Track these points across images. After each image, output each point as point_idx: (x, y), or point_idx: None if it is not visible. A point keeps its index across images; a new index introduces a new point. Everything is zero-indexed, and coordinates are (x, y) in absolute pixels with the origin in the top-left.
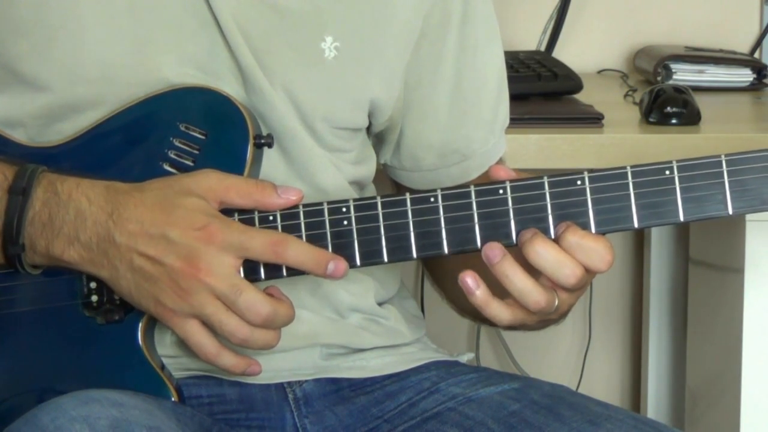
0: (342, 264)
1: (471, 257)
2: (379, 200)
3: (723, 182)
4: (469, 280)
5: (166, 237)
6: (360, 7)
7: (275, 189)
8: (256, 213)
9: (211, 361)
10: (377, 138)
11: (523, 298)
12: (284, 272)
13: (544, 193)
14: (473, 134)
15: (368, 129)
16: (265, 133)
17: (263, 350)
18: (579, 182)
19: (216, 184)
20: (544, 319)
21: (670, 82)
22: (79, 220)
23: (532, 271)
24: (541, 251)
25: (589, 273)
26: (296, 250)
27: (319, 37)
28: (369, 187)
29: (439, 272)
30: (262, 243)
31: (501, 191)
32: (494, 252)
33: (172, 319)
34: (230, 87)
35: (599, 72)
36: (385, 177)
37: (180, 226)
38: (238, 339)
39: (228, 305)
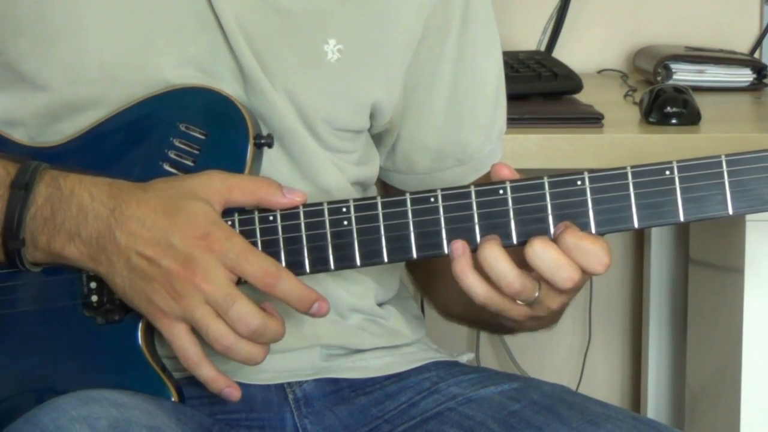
0: (325, 305)
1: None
2: (379, 200)
3: (723, 182)
4: (459, 243)
5: (167, 240)
6: (363, 10)
7: (280, 188)
8: (256, 213)
9: (191, 368)
10: (373, 140)
11: (499, 280)
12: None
13: (544, 193)
14: (469, 139)
15: (368, 129)
16: (265, 133)
17: (246, 365)
18: (579, 182)
19: (220, 186)
20: (533, 316)
21: (670, 82)
22: (80, 216)
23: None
24: (540, 252)
25: (586, 274)
26: (286, 287)
27: (322, 40)
28: (372, 188)
29: (425, 275)
30: (255, 270)
31: (501, 191)
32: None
33: (161, 319)
34: (231, 88)
35: (599, 72)
36: (377, 179)
37: (181, 231)
38: (222, 346)
39: (219, 313)
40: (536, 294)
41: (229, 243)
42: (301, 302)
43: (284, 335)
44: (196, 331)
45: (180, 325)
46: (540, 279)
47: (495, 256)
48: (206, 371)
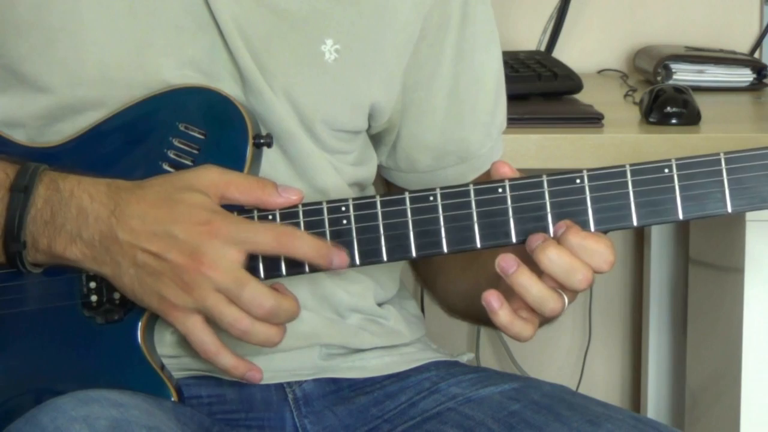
0: (345, 256)
1: (465, 255)
2: (378, 199)
3: (722, 180)
4: (493, 300)
5: (169, 233)
6: (360, 10)
7: (276, 187)
8: (256, 212)
9: (210, 359)
10: (374, 139)
11: (541, 306)
12: (283, 272)
13: (543, 192)
14: (470, 137)
15: (366, 130)
16: (264, 132)
17: (266, 347)
18: (578, 181)
19: (217, 179)
20: (550, 318)
21: (670, 82)
22: (81, 218)
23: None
24: (555, 258)
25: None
26: (302, 242)
27: (320, 40)
28: (369, 188)
29: (430, 271)
30: (267, 236)
31: (500, 190)
32: (508, 263)
33: (174, 314)
34: (229, 89)
35: (599, 72)
36: (379, 177)
37: (183, 221)
38: (238, 330)
39: (231, 299)
40: (566, 304)
41: (232, 224)
42: (321, 255)
43: (299, 314)
44: (211, 322)
45: (194, 317)
46: (555, 285)
47: (528, 281)
48: (226, 359)
